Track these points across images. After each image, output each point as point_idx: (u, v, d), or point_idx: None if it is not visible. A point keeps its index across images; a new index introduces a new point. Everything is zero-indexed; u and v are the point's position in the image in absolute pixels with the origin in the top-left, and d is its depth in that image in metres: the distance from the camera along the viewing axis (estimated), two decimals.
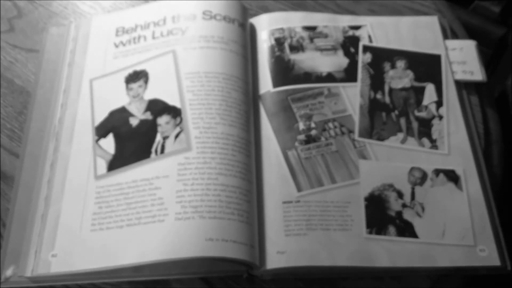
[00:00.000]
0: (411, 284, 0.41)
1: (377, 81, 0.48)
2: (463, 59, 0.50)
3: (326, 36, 0.50)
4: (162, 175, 0.41)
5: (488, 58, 0.71)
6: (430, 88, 0.48)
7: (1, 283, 0.39)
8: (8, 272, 0.39)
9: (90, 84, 0.48)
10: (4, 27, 0.55)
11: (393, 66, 0.49)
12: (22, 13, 0.57)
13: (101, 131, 0.45)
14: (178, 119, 0.44)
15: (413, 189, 0.43)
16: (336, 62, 0.49)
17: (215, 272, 0.40)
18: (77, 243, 0.40)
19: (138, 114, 0.45)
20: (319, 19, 0.52)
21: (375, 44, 0.50)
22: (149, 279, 0.40)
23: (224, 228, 0.38)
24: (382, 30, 0.52)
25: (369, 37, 0.50)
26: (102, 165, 0.43)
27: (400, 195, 0.42)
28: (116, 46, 0.50)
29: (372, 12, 0.55)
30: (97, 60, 0.49)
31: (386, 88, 0.47)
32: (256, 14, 0.53)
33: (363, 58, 0.49)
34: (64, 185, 0.43)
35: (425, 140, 0.45)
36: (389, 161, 0.44)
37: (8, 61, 0.53)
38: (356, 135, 0.45)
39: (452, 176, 0.43)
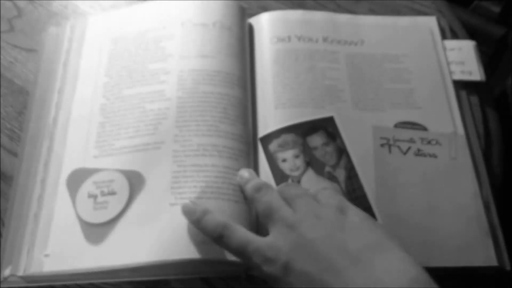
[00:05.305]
0: None
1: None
2: (461, 59, 0.50)
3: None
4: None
5: (488, 58, 0.71)
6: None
7: (1, 282, 0.39)
8: (7, 271, 0.39)
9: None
10: (4, 27, 0.56)
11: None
12: (22, 13, 0.57)
13: None
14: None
15: None
16: None
17: (213, 272, 0.40)
18: (70, 243, 0.39)
19: None
20: (318, 18, 0.52)
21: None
22: (149, 279, 0.40)
23: None
24: (379, 31, 0.52)
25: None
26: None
27: None
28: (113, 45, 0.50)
29: (372, 12, 0.55)
30: (92, 60, 0.49)
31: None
32: (256, 13, 0.53)
33: None
34: (58, 185, 0.42)
35: None
36: None
37: (8, 61, 0.53)
38: None
39: None
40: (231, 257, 0.37)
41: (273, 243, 0.32)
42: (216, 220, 0.35)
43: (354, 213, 0.33)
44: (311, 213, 0.33)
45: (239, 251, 0.33)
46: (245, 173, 0.40)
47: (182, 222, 0.38)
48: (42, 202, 0.42)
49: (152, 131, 0.43)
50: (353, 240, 0.30)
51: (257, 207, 0.35)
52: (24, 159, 0.45)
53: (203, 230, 0.36)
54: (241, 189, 0.40)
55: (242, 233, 0.34)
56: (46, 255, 0.39)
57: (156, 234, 0.38)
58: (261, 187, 0.36)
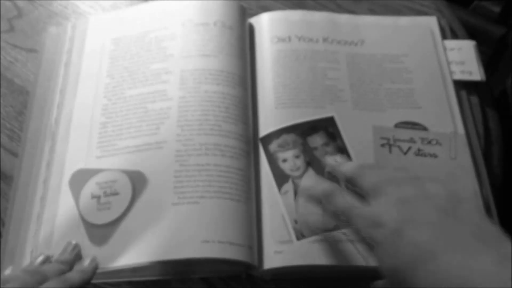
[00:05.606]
0: None
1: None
2: (461, 59, 0.50)
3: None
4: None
5: (488, 58, 0.71)
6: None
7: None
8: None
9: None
10: (4, 27, 0.56)
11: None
12: (22, 13, 0.57)
13: None
14: None
15: None
16: None
17: (212, 272, 0.40)
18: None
19: None
20: (318, 18, 0.52)
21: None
22: (149, 279, 0.40)
23: (221, 230, 0.38)
24: (379, 31, 0.52)
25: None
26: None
27: None
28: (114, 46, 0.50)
29: (372, 11, 0.56)
30: (94, 60, 0.49)
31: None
32: (256, 13, 0.53)
33: None
34: (61, 185, 0.42)
35: None
36: None
37: (8, 61, 0.53)
38: None
39: None
40: (231, 256, 0.37)
41: (381, 210, 0.31)
42: (326, 183, 0.37)
43: (471, 202, 0.31)
44: (422, 194, 0.31)
45: (344, 211, 0.33)
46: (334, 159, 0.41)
47: (184, 222, 0.38)
48: (45, 203, 0.42)
49: (154, 131, 0.43)
50: (477, 223, 0.29)
51: (367, 179, 0.34)
52: (25, 159, 0.45)
53: (311, 192, 0.38)
54: (335, 172, 0.39)
55: (350, 198, 0.34)
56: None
57: (159, 234, 0.38)
58: (371, 166, 0.36)
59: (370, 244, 0.32)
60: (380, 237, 0.30)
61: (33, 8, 0.57)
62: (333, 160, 0.40)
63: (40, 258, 0.38)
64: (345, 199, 0.34)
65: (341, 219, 0.35)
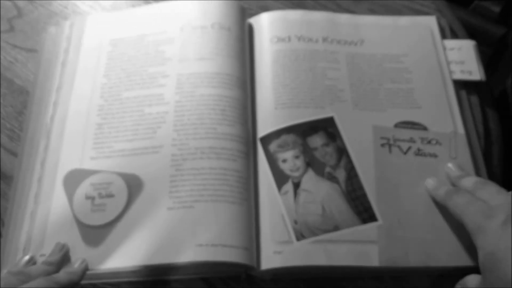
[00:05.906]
0: (411, 284, 0.41)
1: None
2: (461, 59, 0.50)
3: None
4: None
5: (488, 58, 0.71)
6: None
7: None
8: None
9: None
10: (4, 27, 0.56)
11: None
12: (22, 13, 0.57)
13: None
14: None
15: None
16: None
17: (212, 272, 0.40)
18: (67, 244, 0.39)
19: None
20: (318, 18, 0.52)
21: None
22: (149, 279, 0.40)
23: (215, 233, 0.38)
24: (379, 31, 0.52)
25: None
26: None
27: None
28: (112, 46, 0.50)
29: (372, 11, 0.55)
30: (91, 59, 0.49)
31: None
32: (256, 13, 0.53)
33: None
34: (54, 183, 0.42)
35: None
36: None
37: (8, 61, 0.53)
38: None
39: None
40: (225, 259, 0.37)
41: (494, 206, 0.36)
42: (448, 186, 0.41)
43: None
44: None
45: (462, 205, 0.37)
46: (455, 168, 0.43)
47: (178, 226, 0.38)
48: (38, 200, 0.42)
49: (150, 135, 0.43)
50: None
51: (484, 192, 0.38)
52: (24, 159, 0.45)
53: (434, 193, 0.42)
54: (457, 184, 0.41)
55: (468, 196, 0.38)
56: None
57: (153, 238, 0.38)
58: (485, 181, 0.40)
59: (472, 233, 0.36)
60: (489, 226, 0.35)
61: (33, 8, 0.57)
62: (451, 171, 0.43)
63: (25, 259, 0.38)
64: (464, 197, 0.38)
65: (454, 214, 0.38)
